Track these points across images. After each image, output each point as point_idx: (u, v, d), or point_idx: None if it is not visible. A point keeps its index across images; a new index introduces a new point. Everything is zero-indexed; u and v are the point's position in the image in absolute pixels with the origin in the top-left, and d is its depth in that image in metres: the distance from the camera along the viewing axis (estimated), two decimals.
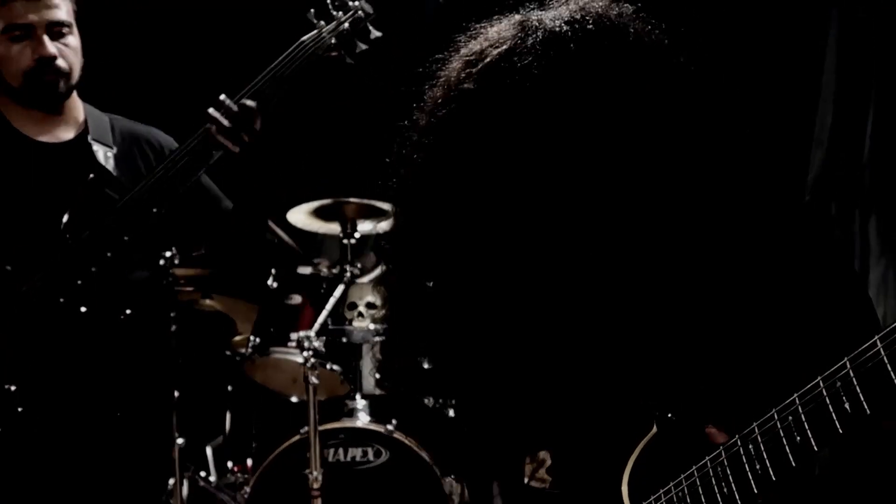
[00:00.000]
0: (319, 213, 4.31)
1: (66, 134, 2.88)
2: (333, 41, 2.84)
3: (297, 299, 4.11)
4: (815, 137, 3.75)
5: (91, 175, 2.74)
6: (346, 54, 2.88)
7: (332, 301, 3.97)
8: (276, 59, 2.81)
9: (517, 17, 1.48)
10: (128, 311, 2.76)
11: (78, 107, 2.91)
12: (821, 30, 3.67)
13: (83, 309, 2.65)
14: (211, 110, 2.71)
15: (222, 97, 2.73)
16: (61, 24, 2.76)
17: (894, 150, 3.51)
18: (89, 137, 2.84)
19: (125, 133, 2.94)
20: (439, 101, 1.47)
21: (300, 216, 4.34)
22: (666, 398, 1.43)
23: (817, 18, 3.68)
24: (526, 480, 2.05)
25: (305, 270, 4.20)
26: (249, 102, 2.72)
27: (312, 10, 2.87)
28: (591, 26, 1.40)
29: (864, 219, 3.64)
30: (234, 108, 2.70)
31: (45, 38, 2.73)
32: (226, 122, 2.68)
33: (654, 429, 1.44)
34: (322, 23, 2.87)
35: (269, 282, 4.14)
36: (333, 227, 4.31)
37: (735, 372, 1.39)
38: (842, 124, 3.68)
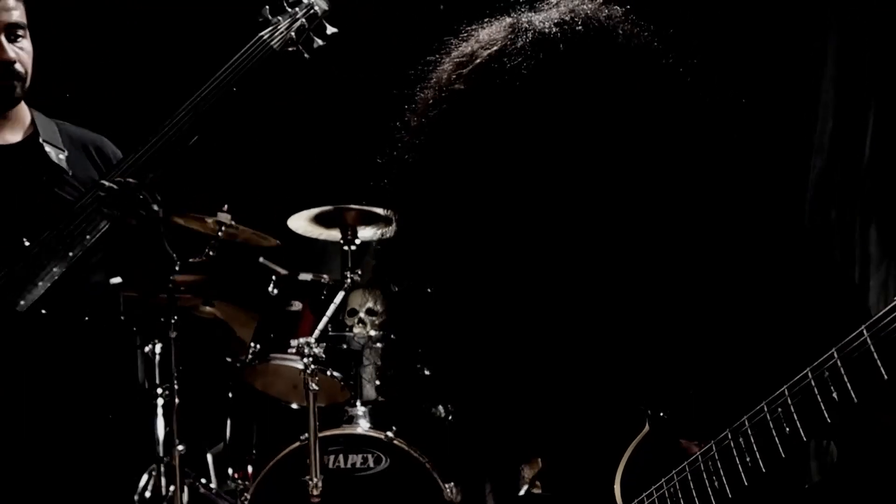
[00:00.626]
0: (320, 220, 4.32)
1: (13, 136, 2.85)
2: (291, 36, 2.87)
3: (297, 305, 4.12)
4: (815, 143, 3.74)
5: (45, 176, 2.72)
6: (304, 49, 2.92)
7: (332, 307, 3.97)
8: (232, 58, 2.83)
9: (508, 19, 1.49)
10: (90, 314, 2.74)
11: (24, 110, 2.89)
12: (820, 36, 3.67)
13: (43, 311, 2.62)
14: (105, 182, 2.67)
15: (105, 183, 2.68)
16: (17, 26, 2.74)
17: (894, 156, 3.50)
18: (40, 139, 2.81)
19: (74, 137, 2.92)
20: (430, 101, 1.48)
21: (301, 223, 4.34)
22: (658, 397, 1.44)
23: (817, 25, 3.68)
24: (525, 487, 2.05)
25: (306, 277, 4.20)
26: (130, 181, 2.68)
27: (267, 7, 2.91)
28: (579, 28, 1.41)
29: (864, 225, 3.63)
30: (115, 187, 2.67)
31: (4, 42, 2.71)
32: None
33: (647, 428, 1.45)
34: (279, 18, 2.91)
35: (270, 288, 4.15)
36: (334, 234, 4.32)
37: (727, 372, 1.39)
38: (842, 130, 3.68)
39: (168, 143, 2.74)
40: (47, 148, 2.80)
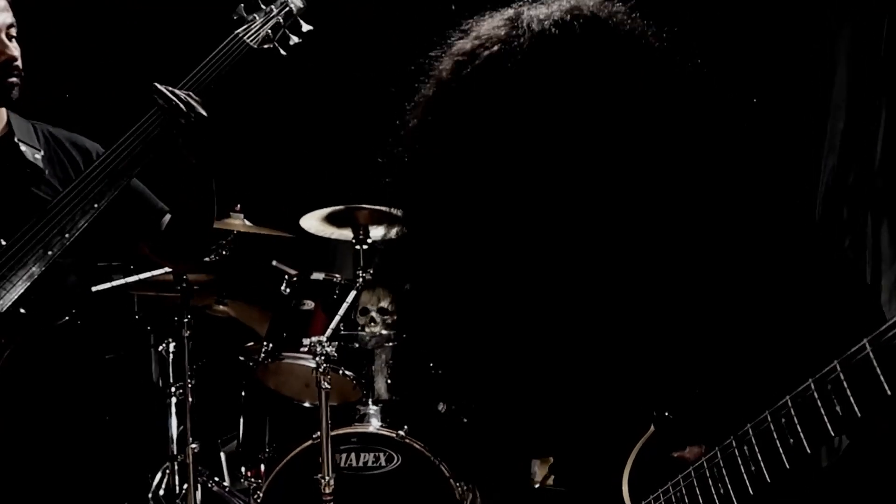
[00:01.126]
0: (332, 219, 4.33)
1: None
2: (268, 33, 2.89)
3: (309, 304, 4.13)
4: (827, 143, 3.73)
5: (21, 175, 2.68)
6: (280, 46, 2.95)
7: (344, 306, 3.98)
8: (209, 55, 2.83)
9: (510, 11, 1.46)
10: (71, 313, 2.72)
11: (0, 111, 2.83)
12: (832, 36, 3.66)
13: (22, 311, 2.59)
14: (157, 84, 2.69)
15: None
16: (13, 26, 2.72)
17: None
18: (15, 138, 2.77)
19: (49, 136, 2.88)
20: (429, 101, 1.46)
21: (313, 222, 4.35)
22: (663, 398, 1.44)
23: (828, 25, 3.67)
24: (537, 484, 2.06)
25: (318, 276, 4.22)
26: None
27: (242, 5, 2.93)
28: (581, 28, 1.38)
29: (875, 224, 3.62)
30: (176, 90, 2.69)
31: (6, 40, 2.68)
32: (176, 97, 2.66)
33: (652, 428, 1.45)
34: (254, 16, 2.93)
35: (282, 287, 4.16)
36: (346, 233, 4.33)
37: (733, 373, 1.39)
38: (853, 130, 3.67)
39: (146, 140, 2.74)
40: (22, 147, 2.75)
